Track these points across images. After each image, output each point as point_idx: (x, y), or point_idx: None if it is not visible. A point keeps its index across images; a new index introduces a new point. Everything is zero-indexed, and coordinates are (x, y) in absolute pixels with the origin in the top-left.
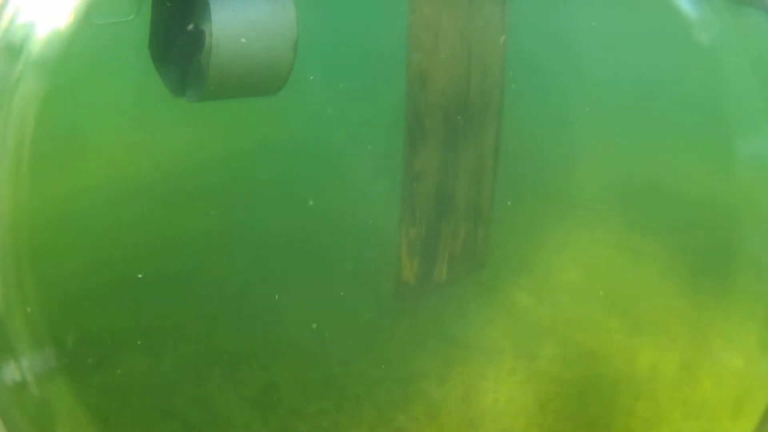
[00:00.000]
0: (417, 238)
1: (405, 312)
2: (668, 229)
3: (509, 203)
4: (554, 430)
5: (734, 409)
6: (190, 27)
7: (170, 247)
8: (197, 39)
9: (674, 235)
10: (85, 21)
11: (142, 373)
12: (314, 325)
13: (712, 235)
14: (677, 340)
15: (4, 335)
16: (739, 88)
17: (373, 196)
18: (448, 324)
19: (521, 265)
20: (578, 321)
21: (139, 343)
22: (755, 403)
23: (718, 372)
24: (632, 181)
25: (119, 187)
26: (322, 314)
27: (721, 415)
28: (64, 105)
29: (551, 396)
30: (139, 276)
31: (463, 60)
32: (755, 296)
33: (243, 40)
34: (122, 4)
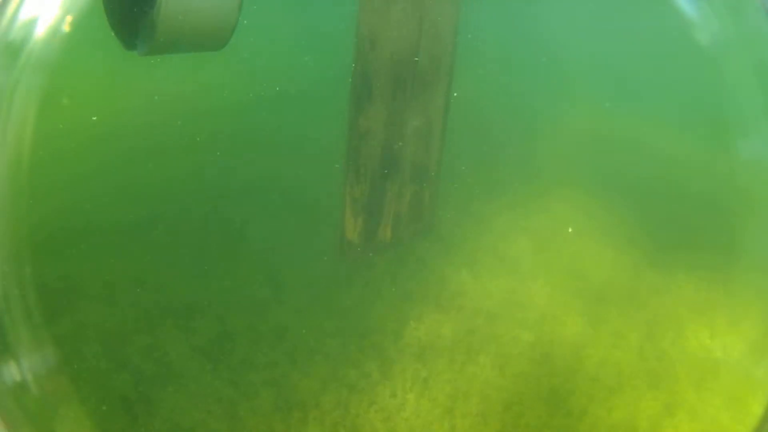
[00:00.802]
0: (361, 196)
1: (361, 265)
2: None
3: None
4: (512, 392)
5: (734, 409)
6: None
7: (128, 197)
8: None
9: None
10: None
11: (96, 323)
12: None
13: (710, 234)
14: (676, 338)
15: (4, 335)
16: (738, 88)
17: (320, 153)
18: (403, 279)
19: (471, 229)
20: (537, 286)
21: (94, 292)
22: (755, 402)
23: (718, 373)
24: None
25: (81, 137)
26: (274, 266)
27: (721, 414)
28: None
29: (510, 358)
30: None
31: (415, 23)
32: (755, 295)
33: None
34: None
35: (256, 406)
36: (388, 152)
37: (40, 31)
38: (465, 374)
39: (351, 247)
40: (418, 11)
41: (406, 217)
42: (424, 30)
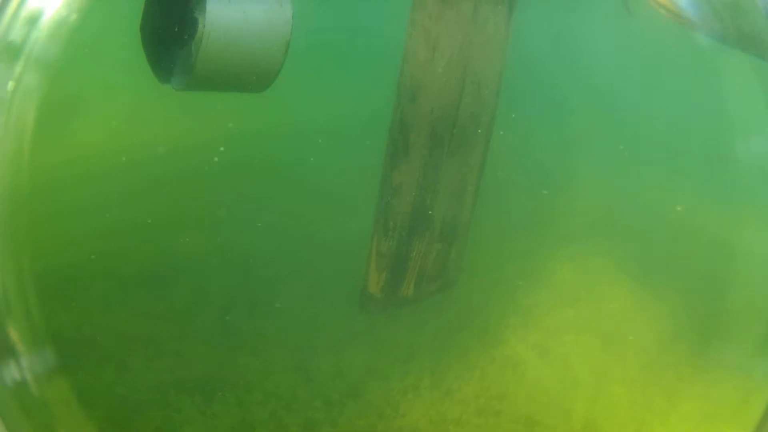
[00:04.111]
0: (387, 252)
1: (393, 341)
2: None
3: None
4: None
5: (734, 409)
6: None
7: (151, 250)
8: (189, 26)
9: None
10: None
11: (103, 387)
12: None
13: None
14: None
15: (4, 335)
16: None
17: (348, 206)
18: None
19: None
20: (583, 390)
21: (105, 350)
22: (755, 403)
23: (718, 371)
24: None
25: (103, 184)
26: (302, 340)
27: (721, 415)
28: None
29: None
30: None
31: (458, 77)
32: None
33: (235, 33)
34: None
35: None
36: (419, 208)
37: (40, 31)
38: None
39: (372, 301)
40: (462, 65)
41: (430, 273)
42: (467, 86)
